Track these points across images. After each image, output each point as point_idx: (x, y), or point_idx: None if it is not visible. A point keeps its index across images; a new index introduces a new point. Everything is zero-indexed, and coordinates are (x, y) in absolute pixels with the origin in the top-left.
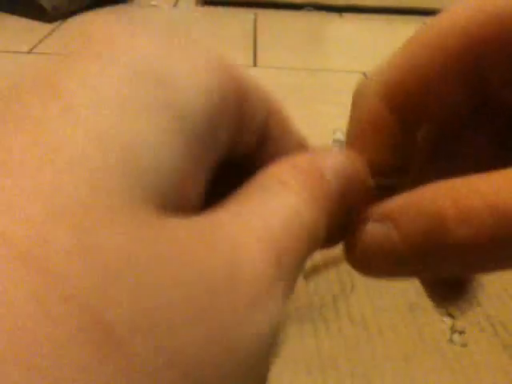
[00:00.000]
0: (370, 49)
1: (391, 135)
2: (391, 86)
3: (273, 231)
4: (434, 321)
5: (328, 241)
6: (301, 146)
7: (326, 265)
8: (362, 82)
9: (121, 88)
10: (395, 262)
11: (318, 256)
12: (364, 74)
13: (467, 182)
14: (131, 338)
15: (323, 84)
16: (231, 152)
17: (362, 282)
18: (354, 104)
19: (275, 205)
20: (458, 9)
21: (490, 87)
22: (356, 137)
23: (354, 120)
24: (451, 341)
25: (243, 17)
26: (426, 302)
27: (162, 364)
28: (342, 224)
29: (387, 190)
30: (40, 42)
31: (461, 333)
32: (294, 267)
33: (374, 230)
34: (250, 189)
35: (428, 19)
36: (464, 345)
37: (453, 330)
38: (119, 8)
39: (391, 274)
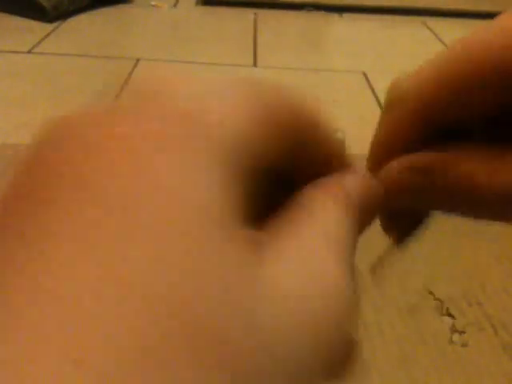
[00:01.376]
0: (370, 49)
1: (416, 137)
2: (428, 102)
3: (332, 238)
4: (434, 321)
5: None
6: (337, 157)
7: (384, 257)
8: (399, 85)
9: None
10: (416, 201)
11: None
12: (364, 73)
13: (499, 158)
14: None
15: (323, 84)
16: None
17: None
18: (390, 108)
19: (324, 219)
20: (482, 33)
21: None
22: (384, 143)
23: (388, 126)
24: (451, 341)
25: (243, 17)
26: (426, 302)
27: None
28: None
29: None
30: (40, 41)
31: (461, 333)
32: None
33: (408, 178)
34: (299, 213)
35: (428, 20)
36: (464, 345)
37: (453, 330)
38: (119, 8)
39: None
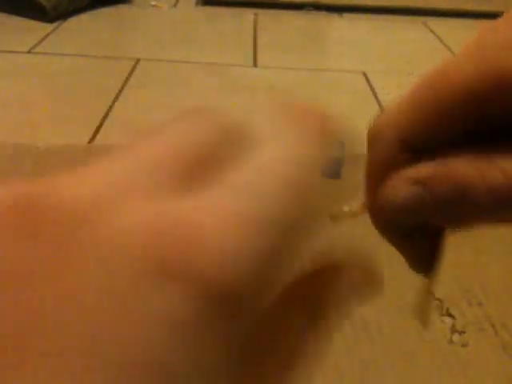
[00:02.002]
0: (370, 49)
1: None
2: (405, 130)
3: None
4: (434, 321)
5: None
6: None
7: (423, 297)
8: (377, 121)
9: None
10: (418, 214)
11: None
12: (364, 73)
13: (489, 159)
14: None
15: (323, 84)
16: None
17: None
18: (371, 143)
19: None
20: (462, 60)
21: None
22: (374, 174)
23: (373, 158)
24: (451, 341)
25: (243, 17)
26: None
27: None
28: None
29: None
30: (40, 42)
31: (461, 333)
32: None
33: (406, 189)
34: None
35: (428, 20)
36: (464, 345)
37: (453, 330)
38: (119, 8)
39: (407, 225)
